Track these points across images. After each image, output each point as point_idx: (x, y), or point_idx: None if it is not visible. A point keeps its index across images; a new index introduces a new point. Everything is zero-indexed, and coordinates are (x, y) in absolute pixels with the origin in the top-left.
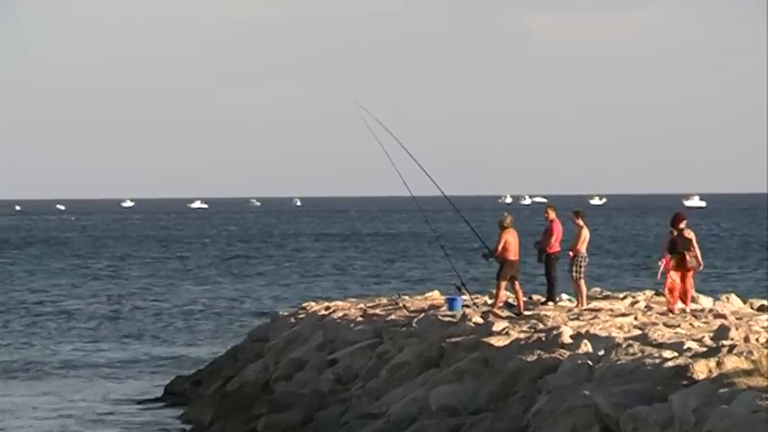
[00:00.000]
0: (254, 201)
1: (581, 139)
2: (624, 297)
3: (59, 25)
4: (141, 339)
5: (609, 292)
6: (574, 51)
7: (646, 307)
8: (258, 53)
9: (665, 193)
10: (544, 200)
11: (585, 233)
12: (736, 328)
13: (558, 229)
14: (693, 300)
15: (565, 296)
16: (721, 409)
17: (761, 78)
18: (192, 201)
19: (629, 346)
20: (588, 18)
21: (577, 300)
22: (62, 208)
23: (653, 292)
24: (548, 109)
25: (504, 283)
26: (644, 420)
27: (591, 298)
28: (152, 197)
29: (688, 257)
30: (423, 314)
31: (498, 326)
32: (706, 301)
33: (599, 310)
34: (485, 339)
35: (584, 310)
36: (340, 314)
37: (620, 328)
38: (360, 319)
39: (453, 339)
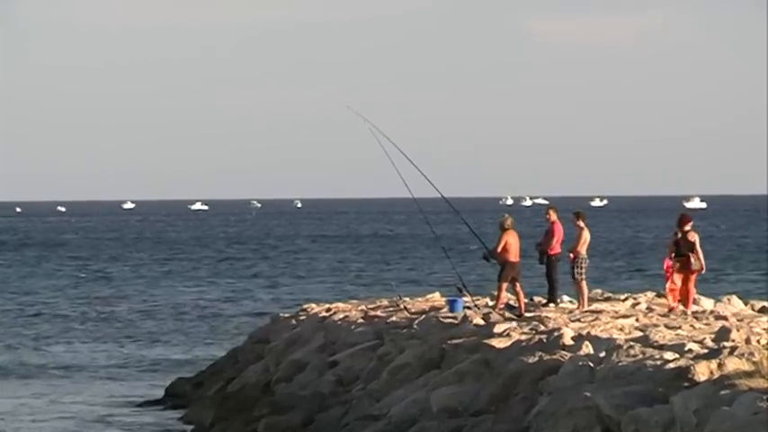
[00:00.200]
0: (255, 202)
1: (581, 140)
2: (625, 299)
3: (59, 27)
4: (140, 341)
5: (610, 294)
6: (574, 53)
7: (647, 308)
8: (259, 55)
9: (665, 195)
10: (545, 201)
11: (586, 235)
12: (738, 330)
13: (558, 231)
14: (695, 302)
15: (566, 298)
16: (722, 410)
17: (761, 79)
18: (193, 202)
19: (631, 347)
20: (588, 20)
21: (579, 301)
22: (63, 210)
23: (654, 294)
24: (548, 110)
25: (505, 285)
26: (645, 422)
27: (592, 300)
28: (153, 199)
29: (692, 259)
30: (423, 316)
31: (499, 327)
32: (707, 303)
33: (600, 311)
34: (486, 341)
35: (586, 311)
36: (341, 316)
37: (622, 329)
38: (360, 320)
39: (454, 341)
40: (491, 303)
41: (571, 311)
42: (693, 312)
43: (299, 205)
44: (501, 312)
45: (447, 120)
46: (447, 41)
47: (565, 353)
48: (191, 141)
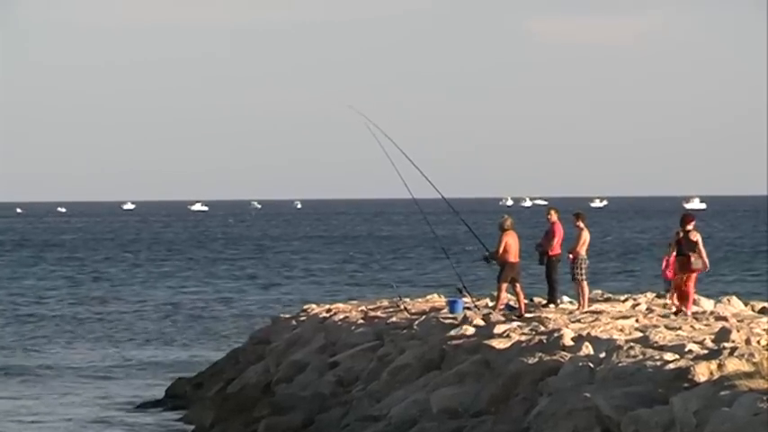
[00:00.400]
0: (255, 203)
1: (581, 140)
2: (625, 299)
3: (59, 28)
4: (138, 342)
5: (610, 295)
6: (574, 54)
7: (647, 309)
8: (259, 55)
9: (665, 196)
10: (545, 202)
11: (585, 235)
12: (738, 331)
13: (559, 232)
14: (695, 302)
15: (566, 298)
16: (722, 411)
17: (761, 79)
18: (193, 203)
19: (631, 348)
20: (588, 21)
21: (579, 302)
22: (63, 210)
23: (654, 295)
24: (548, 111)
25: (504, 286)
26: (645, 422)
27: (592, 300)
28: (154, 199)
29: (692, 259)
30: (424, 316)
31: (499, 328)
32: (707, 304)
33: (600, 312)
34: (486, 342)
35: (586, 312)
36: (341, 316)
37: (622, 330)
38: (361, 321)
39: (454, 342)
40: (491, 304)
41: (571, 312)
42: (693, 313)
43: (299, 206)
44: (502, 312)
45: (447, 120)
46: (447, 41)
47: (565, 353)
48: (191, 141)
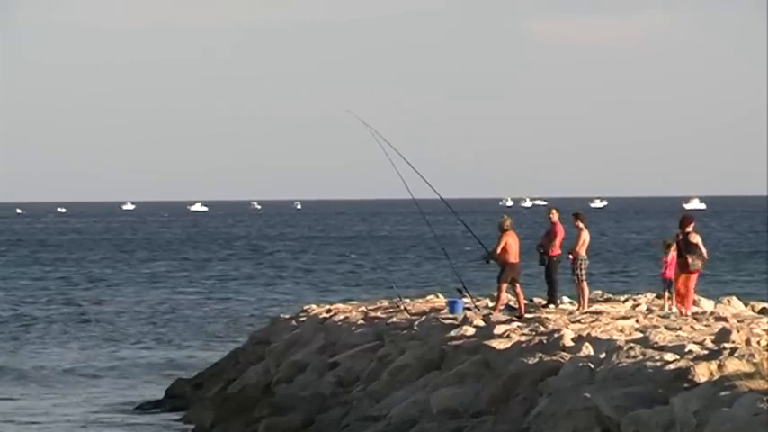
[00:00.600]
0: (255, 203)
1: (581, 141)
2: (625, 300)
3: (59, 29)
4: (135, 342)
5: (610, 295)
6: (574, 54)
7: (647, 310)
8: (259, 55)
9: (665, 196)
10: (545, 203)
11: (585, 236)
12: (738, 331)
13: (561, 232)
14: (695, 303)
15: (566, 299)
16: (722, 411)
17: (761, 79)
18: (193, 204)
19: (631, 348)
20: (589, 21)
21: (579, 302)
22: (63, 211)
23: (654, 295)
24: (548, 111)
25: (504, 286)
26: (645, 423)
27: (592, 301)
28: (153, 200)
29: (690, 260)
30: (424, 317)
31: (499, 329)
32: (707, 304)
33: (600, 312)
34: (486, 342)
35: (586, 312)
36: (341, 317)
37: (622, 330)
38: (361, 321)
39: (454, 342)
40: (491, 304)
41: (571, 312)
42: (693, 313)
43: (299, 206)
44: (502, 312)
45: (446, 120)
46: (447, 42)
47: (565, 354)
48: (190, 142)
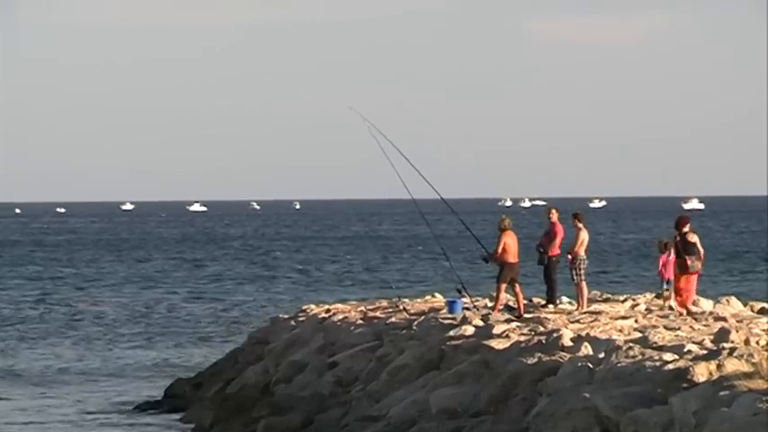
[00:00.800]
0: (254, 204)
1: (581, 141)
2: (624, 300)
3: (59, 29)
4: (133, 342)
5: (609, 295)
6: (574, 54)
7: (646, 310)
8: (259, 55)
9: (664, 196)
10: (544, 203)
11: (584, 236)
12: (737, 331)
13: (560, 232)
14: (694, 303)
15: (565, 299)
16: (721, 411)
17: (761, 79)
18: (192, 204)
19: (630, 348)
20: (589, 21)
21: (578, 302)
22: (62, 210)
23: (653, 295)
24: (548, 111)
25: (504, 286)
26: (644, 423)
27: (591, 301)
28: (153, 200)
29: (689, 261)
30: (423, 317)
31: (499, 329)
32: (706, 304)
33: (599, 312)
34: (485, 342)
35: (585, 312)
36: (340, 317)
37: (621, 330)
38: (360, 321)
39: (453, 342)
40: (490, 304)
41: (570, 312)
42: (692, 314)
43: (298, 206)
44: (501, 313)
45: (446, 120)
46: (447, 42)
47: (564, 354)
48: (190, 141)
